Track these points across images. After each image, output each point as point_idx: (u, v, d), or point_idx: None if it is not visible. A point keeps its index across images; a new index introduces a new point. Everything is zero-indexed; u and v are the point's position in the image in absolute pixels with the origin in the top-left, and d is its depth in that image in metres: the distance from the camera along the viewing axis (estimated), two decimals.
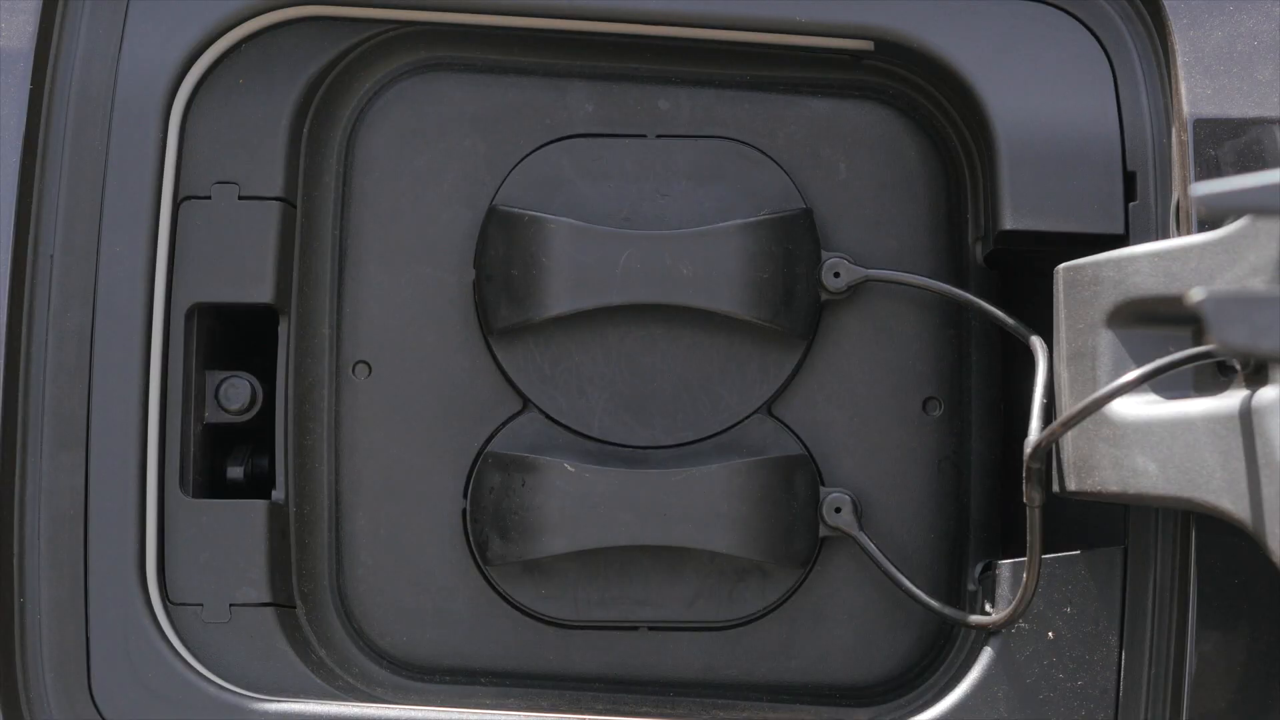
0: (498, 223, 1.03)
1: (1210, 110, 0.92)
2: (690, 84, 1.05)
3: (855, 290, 1.04)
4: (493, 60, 1.06)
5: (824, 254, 1.03)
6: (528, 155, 1.05)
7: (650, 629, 1.04)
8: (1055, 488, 0.93)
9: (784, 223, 1.02)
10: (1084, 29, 0.99)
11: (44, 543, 0.96)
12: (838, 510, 1.02)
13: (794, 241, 1.02)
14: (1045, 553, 0.95)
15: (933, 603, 1.01)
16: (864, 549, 1.02)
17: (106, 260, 0.97)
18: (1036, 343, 0.95)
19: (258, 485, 1.03)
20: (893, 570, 1.02)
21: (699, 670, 1.04)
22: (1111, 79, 0.98)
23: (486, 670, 1.04)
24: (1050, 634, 0.94)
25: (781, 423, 1.04)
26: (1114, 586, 0.93)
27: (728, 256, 1.01)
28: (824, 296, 1.03)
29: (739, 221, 1.02)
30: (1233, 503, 0.78)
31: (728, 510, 1.00)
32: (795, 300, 1.02)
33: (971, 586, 1.02)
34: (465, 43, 1.06)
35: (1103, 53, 0.98)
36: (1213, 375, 0.84)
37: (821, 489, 1.03)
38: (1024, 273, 1.04)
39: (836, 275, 1.03)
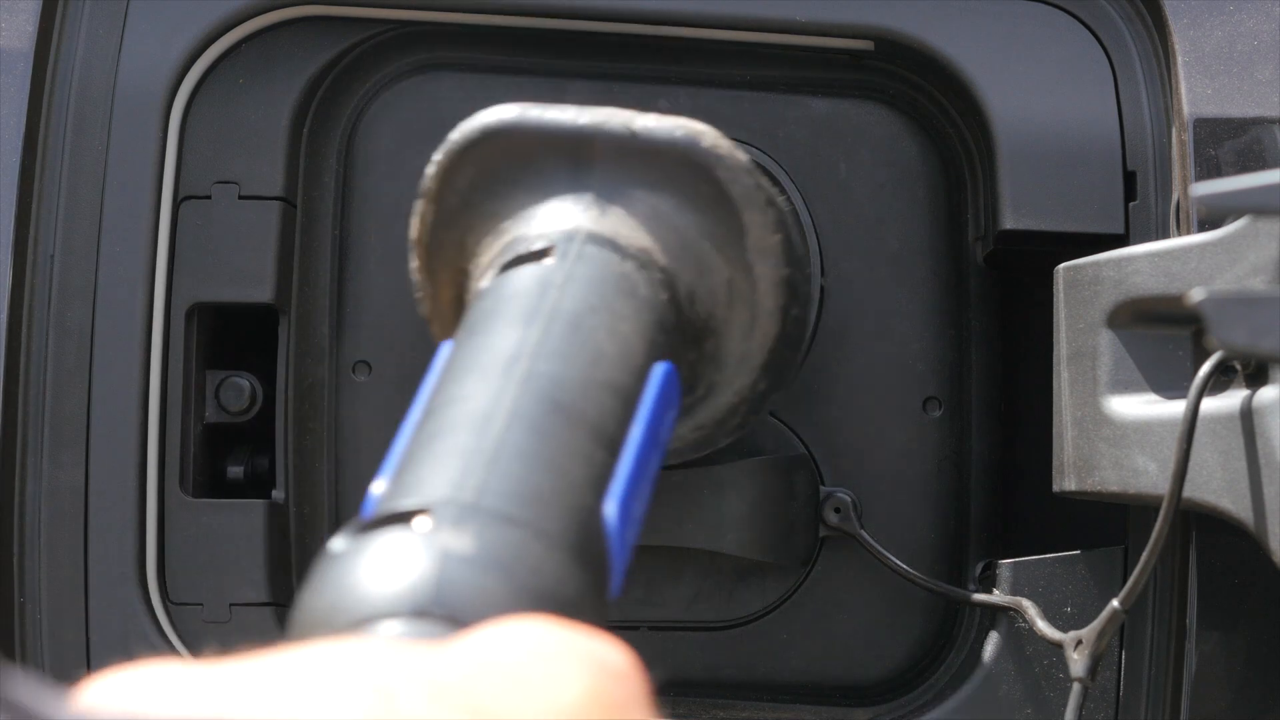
0: None
1: (1210, 110, 0.92)
2: (690, 84, 1.05)
3: (854, 289, 1.04)
4: (493, 60, 1.06)
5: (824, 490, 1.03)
6: None
7: (650, 629, 1.04)
8: (1055, 488, 0.93)
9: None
10: (1084, 29, 0.99)
11: (44, 542, 0.96)
12: (837, 510, 1.02)
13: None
14: (1045, 552, 0.95)
15: (974, 595, 1.01)
16: (866, 545, 1.02)
17: (106, 260, 0.97)
18: None
19: (258, 485, 1.03)
20: (900, 564, 1.01)
21: (699, 670, 1.04)
22: (1111, 79, 0.98)
23: None
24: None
25: (782, 422, 1.04)
26: (1114, 586, 0.93)
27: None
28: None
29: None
30: (1233, 503, 0.78)
31: (728, 510, 1.00)
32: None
33: (971, 586, 1.02)
34: (465, 43, 1.06)
35: (1103, 53, 0.98)
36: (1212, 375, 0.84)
37: (822, 489, 1.03)
38: (1024, 273, 1.04)
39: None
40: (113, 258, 0.97)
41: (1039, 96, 0.98)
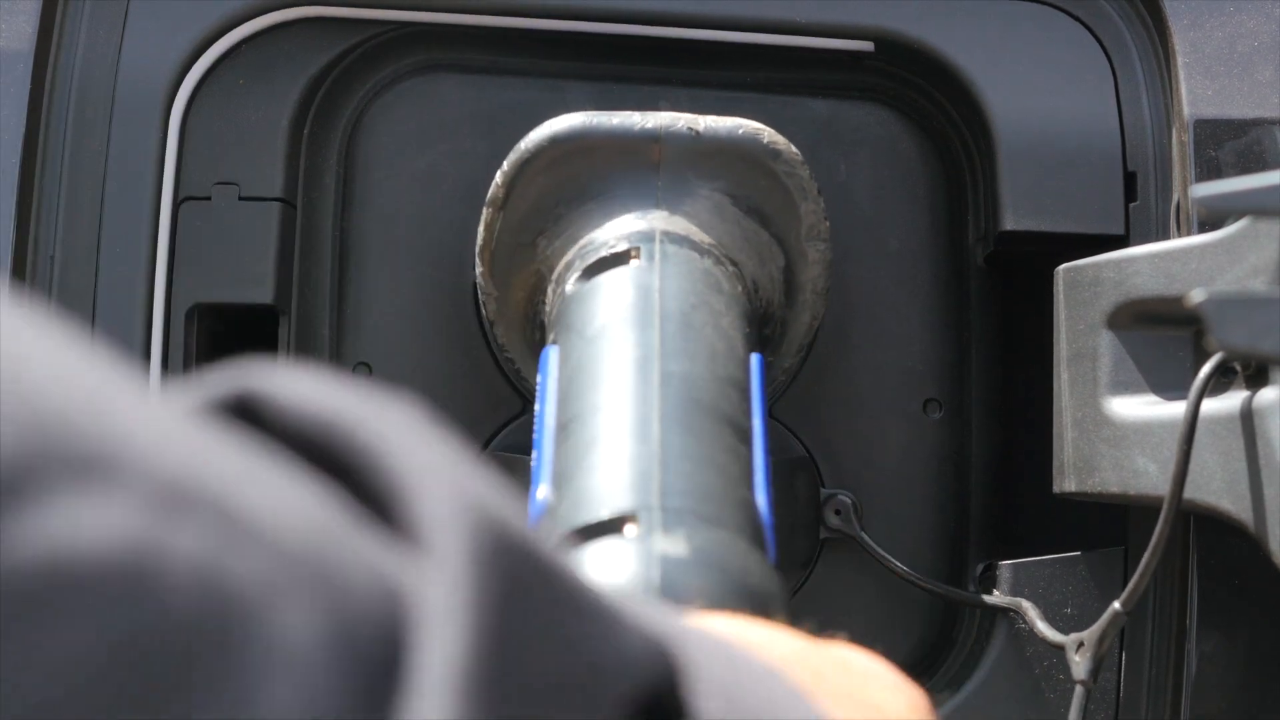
0: None
1: (1210, 110, 0.92)
2: (690, 85, 1.05)
3: (854, 290, 1.04)
4: (493, 60, 1.06)
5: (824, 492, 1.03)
6: None
7: None
8: (1055, 489, 0.93)
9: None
10: (1084, 29, 0.98)
11: None
12: (838, 512, 1.02)
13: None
14: (1045, 554, 0.95)
15: (964, 593, 1.00)
16: (866, 547, 1.02)
17: (106, 260, 0.97)
18: None
19: None
20: (900, 566, 1.01)
21: None
22: (1112, 79, 0.97)
23: None
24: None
25: (782, 423, 1.04)
26: (1114, 588, 0.93)
27: None
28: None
29: None
30: (1233, 503, 0.78)
31: None
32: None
33: (972, 588, 1.02)
34: (465, 43, 1.06)
35: (1103, 53, 0.98)
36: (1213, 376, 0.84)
37: (822, 491, 1.03)
38: (1024, 273, 1.04)
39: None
40: (113, 258, 0.97)
41: (1039, 97, 0.98)
